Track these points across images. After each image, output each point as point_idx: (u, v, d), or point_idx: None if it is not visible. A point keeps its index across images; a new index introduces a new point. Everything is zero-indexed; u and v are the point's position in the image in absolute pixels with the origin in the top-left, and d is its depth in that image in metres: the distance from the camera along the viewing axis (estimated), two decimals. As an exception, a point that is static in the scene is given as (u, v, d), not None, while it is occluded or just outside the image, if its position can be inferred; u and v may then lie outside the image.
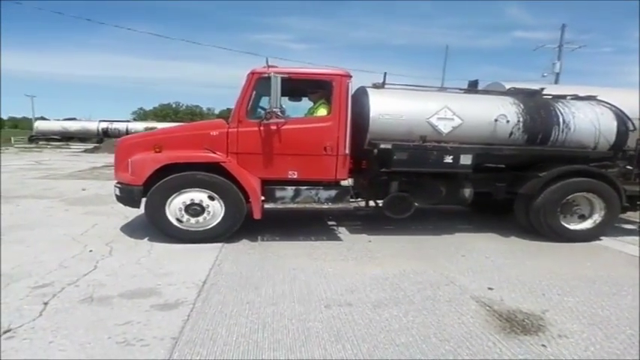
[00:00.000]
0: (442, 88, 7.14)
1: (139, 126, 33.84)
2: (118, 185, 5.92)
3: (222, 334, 3.21)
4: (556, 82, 26.31)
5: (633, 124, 6.70)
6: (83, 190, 10.28)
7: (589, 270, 5.06)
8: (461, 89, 7.26)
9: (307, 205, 6.08)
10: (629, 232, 7.19)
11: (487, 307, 3.86)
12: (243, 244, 5.73)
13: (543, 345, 3.18)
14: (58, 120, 39.45)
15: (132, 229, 6.37)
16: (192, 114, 62.07)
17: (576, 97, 6.86)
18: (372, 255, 5.47)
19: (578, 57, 78.40)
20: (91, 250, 5.24)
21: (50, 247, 5.35)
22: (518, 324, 3.53)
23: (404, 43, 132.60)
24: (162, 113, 60.69)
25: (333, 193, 6.07)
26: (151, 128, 30.89)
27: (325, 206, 6.14)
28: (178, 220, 5.64)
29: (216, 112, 66.01)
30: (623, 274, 4.93)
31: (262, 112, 5.90)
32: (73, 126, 37.33)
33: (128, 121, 37.76)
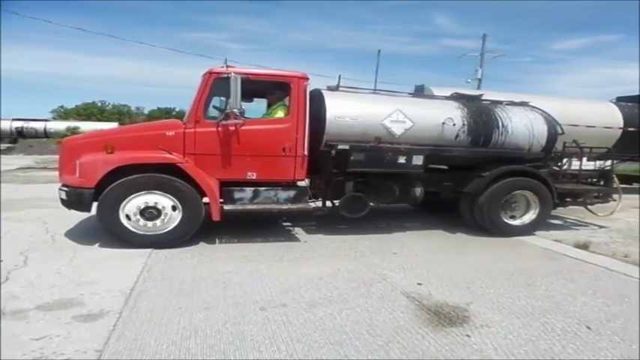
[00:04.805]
0: (392, 92, 7.37)
1: (60, 125, 31.51)
2: (64, 188, 5.54)
3: (151, 343, 3.08)
4: (478, 87, 27.97)
5: (561, 128, 7.38)
6: (-6, 194, 9.40)
7: (508, 263, 5.44)
8: (409, 94, 7.58)
9: (266, 207, 5.99)
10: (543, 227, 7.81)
11: (416, 302, 4.02)
12: (178, 249, 5.50)
13: (467, 335, 3.37)
14: (-39, 119, 35.63)
15: (51, 237, 5.93)
16: (120, 113, 58.51)
17: (511, 103, 7.41)
18: (308, 255, 5.51)
19: (501, 65, 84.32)
20: (1, 260, 4.80)
21: (-46, 258, 4.84)
22: (445, 316, 3.72)
23: (342, 46, 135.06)
24: (87, 112, 56.61)
25: (291, 193, 6.10)
26: (74, 128, 28.98)
27: (285, 207, 6.09)
28: (133, 223, 5.38)
29: (146, 111, 63.24)
30: (537, 266, 5.35)
31: (218, 112, 5.81)
32: (-21, 125, 33.89)
33: (47, 120, 34.94)
